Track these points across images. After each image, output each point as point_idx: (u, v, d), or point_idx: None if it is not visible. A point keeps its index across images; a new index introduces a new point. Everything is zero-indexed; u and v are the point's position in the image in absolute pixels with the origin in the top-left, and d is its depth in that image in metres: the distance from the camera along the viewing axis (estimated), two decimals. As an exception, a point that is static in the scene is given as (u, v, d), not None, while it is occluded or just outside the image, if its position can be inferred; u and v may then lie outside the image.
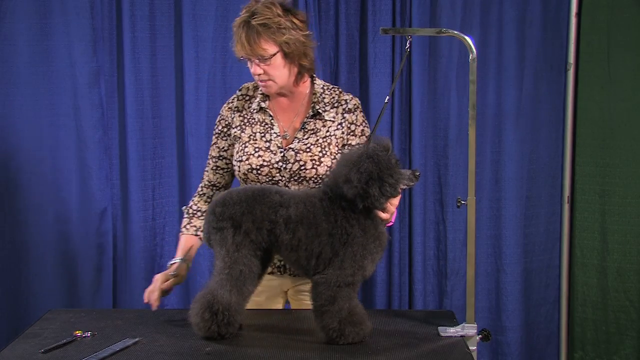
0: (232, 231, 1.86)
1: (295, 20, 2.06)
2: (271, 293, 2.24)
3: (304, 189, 2.10)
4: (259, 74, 2.06)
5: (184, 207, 2.25)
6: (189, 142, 3.16)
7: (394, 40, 3.18)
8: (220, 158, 2.21)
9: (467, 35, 2.02)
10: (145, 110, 3.10)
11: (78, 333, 1.95)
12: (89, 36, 3.01)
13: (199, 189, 2.25)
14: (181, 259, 2.16)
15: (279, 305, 2.29)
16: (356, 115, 2.15)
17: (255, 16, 2.01)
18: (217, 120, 2.22)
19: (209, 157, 2.23)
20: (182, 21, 3.10)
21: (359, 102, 2.18)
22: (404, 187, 1.89)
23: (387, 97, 2.13)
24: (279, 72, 2.07)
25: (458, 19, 3.19)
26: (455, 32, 2.05)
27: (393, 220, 2.04)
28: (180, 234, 2.22)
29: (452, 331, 1.97)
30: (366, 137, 2.15)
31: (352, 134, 2.14)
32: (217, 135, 2.22)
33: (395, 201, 1.90)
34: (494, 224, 3.29)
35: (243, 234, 1.85)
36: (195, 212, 2.21)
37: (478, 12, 3.19)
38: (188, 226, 2.21)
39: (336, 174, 1.86)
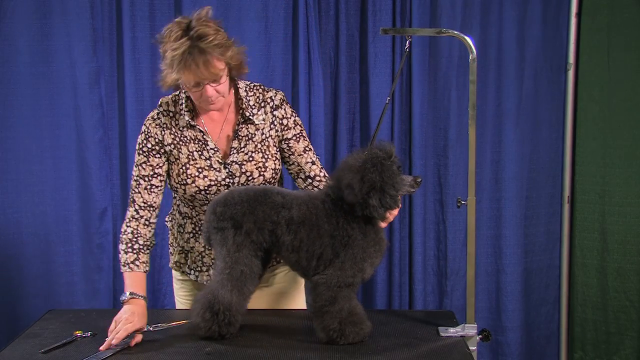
0: (233, 231, 1.86)
1: (226, 33, 1.98)
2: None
3: (305, 191, 2.10)
4: (213, 96, 1.98)
5: (123, 236, 2.05)
6: (189, 142, 3.15)
7: (394, 40, 3.17)
8: (155, 176, 2.06)
9: (467, 36, 2.02)
10: (146, 110, 3.07)
11: (78, 333, 1.96)
12: (89, 36, 3.01)
13: (132, 213, 2.06)
14: (143, 297, 1.98)
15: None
16: (284, 109, 2.12)
17: (203, 39, 1.91)
18: (143, 137, 2.08)
19: (137, 177, 2.07)
20: (182, 21, 3.09)
21: (283, 94, 2.15)
22: (405, 194, 1.89)
23: (388, 98, 2.13)
24: (226, 87, 2.01)
25: (458, 19, 3.19)
26: (456, 32, 2.05)
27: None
28: (128, 271, 2.01)
29: (452, 331, 1.98)
30: (300, 125, 2.14)
31: (286, 128, 2.12)
32: (145, 153, 2.07)
33: (395, 211, 1.90)
34: (494, 224, 3.29)
35: (244, 234, 1.86)
36: (141, 247, 2.03)
37: (478, 12, 3.19)
38: (137, 262, 2.02)
39: (339, 178, 1.85)
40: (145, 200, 2.06)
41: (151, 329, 1.90)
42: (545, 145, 3.29)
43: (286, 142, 2.12)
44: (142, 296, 1.98)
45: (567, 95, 3.27)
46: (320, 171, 2.14)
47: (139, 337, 1.89)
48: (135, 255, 2.02)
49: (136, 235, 2.04)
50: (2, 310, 3.05)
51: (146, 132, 2.08)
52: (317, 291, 1.86)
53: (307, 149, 2.14)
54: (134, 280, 2.00)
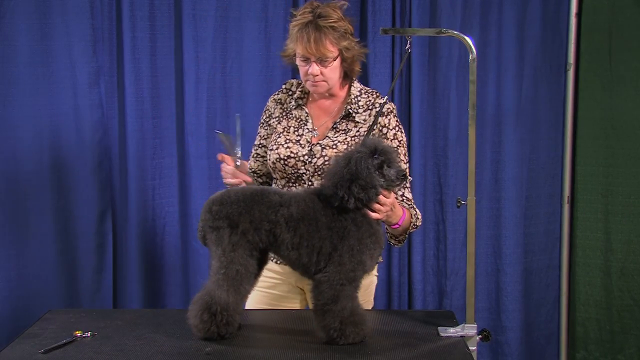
0: (229, 231, 1.86)
1: (350, 27, 2.14)
2: (287, 287, 2.25)
3: (302, 188, 2.11)
4: (315, 75, 2.11)
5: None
6: (189, 143, 3.15)
7: (394, 40, 3.18)
8: (260, 146, 2.29)
9: (467, 36, 2.03)
10: (145, 111, 3.10)
11: (78, 333, 1.96)
12: (89, 36, 3.01)
13: None
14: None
15: (295, 303, 2.28)
16: (389, 119, 2.19)
17: (323, 18, 2.07)
18: (264, 110, 2.31)
19: (253, 147, 2.32)
20: (182, 21, 3.09)
21: (395, 107, 2.23)
22: (389, 187, 1.90)
23: (386, 97, 2.15)
24: (333, 74, 2.14)
25: (458, 19, 3.19)
26: (455, 32, 2.06)
27: (400, 223, 2.05)
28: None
29: (452, 331, 1.98)
30: (399, 140, 2.19)
31: (384, 136, 2.17)
32: (261, 124, 2.30)
33: (386, 200, 1.90)
34: (493, 224, 3.30)
35: (240, 234, 1.86)
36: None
37: (478, 13, 3.20)
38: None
39: (325, 173, 1.93)
40: (251, 167, 2.31)
41: None
42: (545, 145, 3.30)
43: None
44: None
45: (567, 95, 3.28)
46: (400, 189, 2.16)
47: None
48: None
49: None
50: (2, 311, 3.05)
51: (266, 106, 2.31)
52: (320, 289, 1.86)
53: None
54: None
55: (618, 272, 3.23)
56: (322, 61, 2.10)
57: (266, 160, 2.25)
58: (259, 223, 1.87)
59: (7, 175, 3.01)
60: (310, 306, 2.22)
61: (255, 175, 2.29)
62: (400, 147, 2.18)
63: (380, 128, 2.17)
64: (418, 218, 2.18)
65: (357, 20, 3.19)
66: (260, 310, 2.22)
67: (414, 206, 2.20)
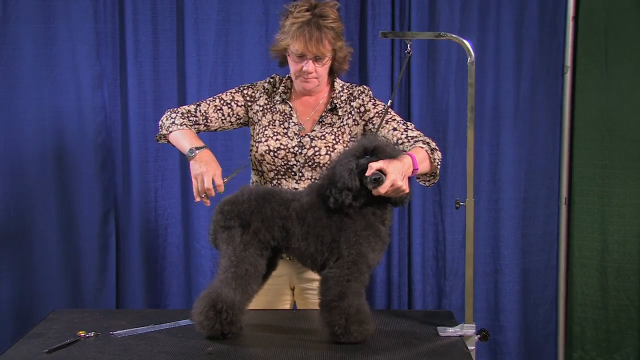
0: (240, 230, 1.89)
1: (342, 27, 2.20)
2: (278, 291, 2.27)
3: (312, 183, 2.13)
4: (310, 72, 2.15)
5: (161, 120, 2.23)
6: (191, 145, 3.17)
7: (393, 43, 3.20)
8: (229, 105, 2.26)
9: (465, 39, 2.05)
10: (148, 113, 3.12)
11: (81, 333, 1.98)
12: (92, 40, 3.03)
13: (188, 108, 2.24)
14: (204, 147, 2.13)
15: (286, 304, 2.31)
16: (362, 99, 2.25)
17: (325, 18, 2.12)
18: (249, 85, 2.29)
19: (217, 96, 2.27)
20: (184, 25, 3.12)
21: (365, 87, 2.28)
22: (370, 189, 1.86)
23: (390, 101, 2.17)
24: (324, 72, 2.20)
25: (456, 23, 3.21)
26: (454, 35, 2.08)
27: (417, 167, 2.00)
28: (175, 130, 2.19)
29: (451, 331, 2.00)
30: (383, 105, 2.23)
31: (365, 111, 2.23)
32: (239, 90, 2.28)
33: (382, 188, 1.85)
34: (492, 224, 3.32)
35: (252, 233, 1.89)
36: (180, 116, 2.20)
37: (476, 16, 3.22)
38: (179, 125, 2.19)
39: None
40: (205, 111, 2.25)
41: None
42: (542, 147, 3.31)
43: (370, 121, 2.23)
44: (203, 146, 2.11)
45: (564, 98, 3.29)
46: (402, 133, 2.19)
47: (220, 188, 2.05)
48: (173, 120, 2.20)
49: (175, 112, 2.22)
50: (7, 311, 3.07)
51: (253, 84, 2.30)
52: (327, 285, 1.88)
53: (390, 120, 2.21)
54: (187, 135, 2.17)
55: (614, 273, 3.26)
56: (318, 60, 2.15)
57: (221, 119, 2.25)
58: (271, 221, 1.90)
59: (12, 177, 3.03)
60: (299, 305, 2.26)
61: (204, 119, 2.23)
62: (387, 109, 2.20)
63: (357, 109, 2.23)
64: (434, 154, 2.13)
65: (357, 25, 3.22)
66: (262, 310, 2.24)
67: (425, 140, 2.16)
